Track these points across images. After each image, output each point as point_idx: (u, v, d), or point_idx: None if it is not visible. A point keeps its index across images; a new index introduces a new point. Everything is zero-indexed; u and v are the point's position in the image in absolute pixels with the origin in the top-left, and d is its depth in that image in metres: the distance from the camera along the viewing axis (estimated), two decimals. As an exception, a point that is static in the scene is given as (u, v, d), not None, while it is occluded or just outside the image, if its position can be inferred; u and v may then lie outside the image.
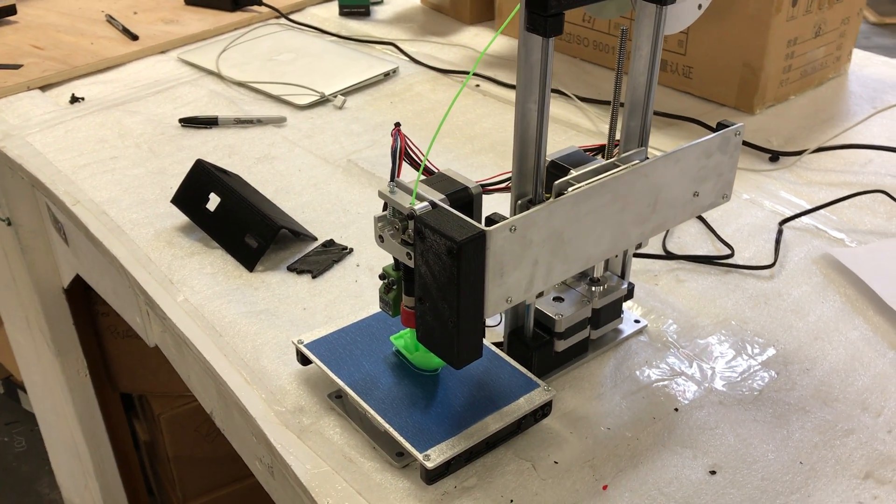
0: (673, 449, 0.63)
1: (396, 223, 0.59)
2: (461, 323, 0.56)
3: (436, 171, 0.63)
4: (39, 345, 1.41)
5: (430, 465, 0.59)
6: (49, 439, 1.66)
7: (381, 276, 0.64)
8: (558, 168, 0.66)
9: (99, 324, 1.42)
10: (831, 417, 0.66)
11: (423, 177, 0.60)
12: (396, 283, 0.62)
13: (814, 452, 0.63)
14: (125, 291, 0.94)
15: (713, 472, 0.62)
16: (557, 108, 1.15)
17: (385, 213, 0.61)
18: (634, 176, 0.63)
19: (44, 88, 1.25)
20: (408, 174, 0.60)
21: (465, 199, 0.60)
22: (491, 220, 0.58)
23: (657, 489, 0.60)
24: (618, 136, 0.69)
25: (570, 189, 0.61)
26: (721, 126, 0.69)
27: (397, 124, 0.63)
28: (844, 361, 0.72)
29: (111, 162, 1.05)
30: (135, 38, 1.38)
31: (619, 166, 0.64)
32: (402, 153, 0.61)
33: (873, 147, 1.02)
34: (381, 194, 0.60)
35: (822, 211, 0.91)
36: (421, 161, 0.62)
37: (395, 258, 0.62)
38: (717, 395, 0.68)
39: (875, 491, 0.60)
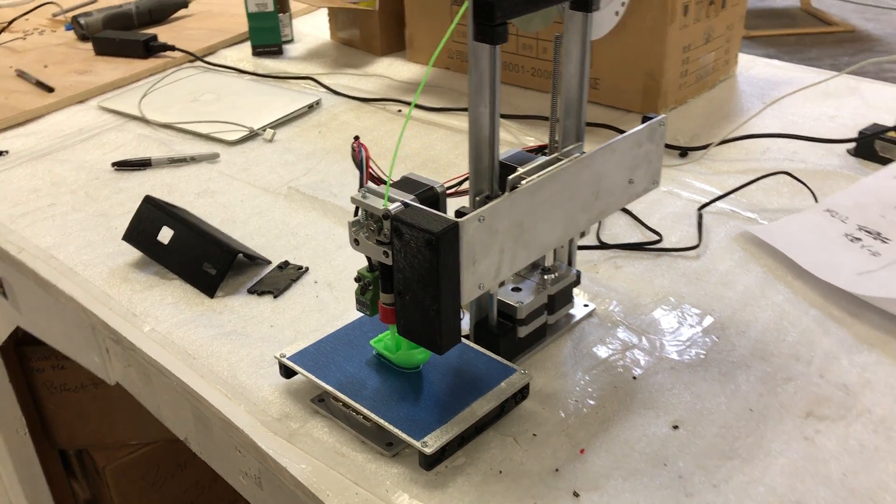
0: (637, 411, 0.69)
1: (371, 225, 0.63)
2: (442, 310, 0.61)
3: (392, 181, 0.68)
4: (-29, 408, 1.38)
5: (428, 451, 0.62)
6: (-18, 509, 1.61)
7: (357, 279, 0.67)
8: (507, 168, 0.71)
9: (34, 380, 1.40)
10: (770, 369, 0.73)
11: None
12: (372, 284, 0.67)
13: (760, 400, 0.70)
14: (81, 333, 0.94)
15: (676, 427, 0.68)
16: (479, 125, 1.21)
17: (357, 217, 0.65)
18: (579, 167, 0.70)
19: (-37, 145, 1.24)
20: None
21: (433, 197, 0.65)
22: (460, 213, 0.63)
23: (629, 447, 0.66)
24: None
25: (523, 182, 0.66)
26: (647, 118, 0.76)
27: (356, 137, 0.68)
28: (774, 322, 0.79)
29: (49, 209, 1.05)
30: (50, 90, 1.38)
31: (562, 160, 0.71)
32: (368, 160, 0.65)
33: (769, 135, 1.12)
34: (353, 200, 0.64)
35: (733, 195, 1.00)
36: (375, 173, 0.67)
37: (369, 259, 0.66)
38: (668, 361, 0.75)
39: (817, 426, 0.67)
